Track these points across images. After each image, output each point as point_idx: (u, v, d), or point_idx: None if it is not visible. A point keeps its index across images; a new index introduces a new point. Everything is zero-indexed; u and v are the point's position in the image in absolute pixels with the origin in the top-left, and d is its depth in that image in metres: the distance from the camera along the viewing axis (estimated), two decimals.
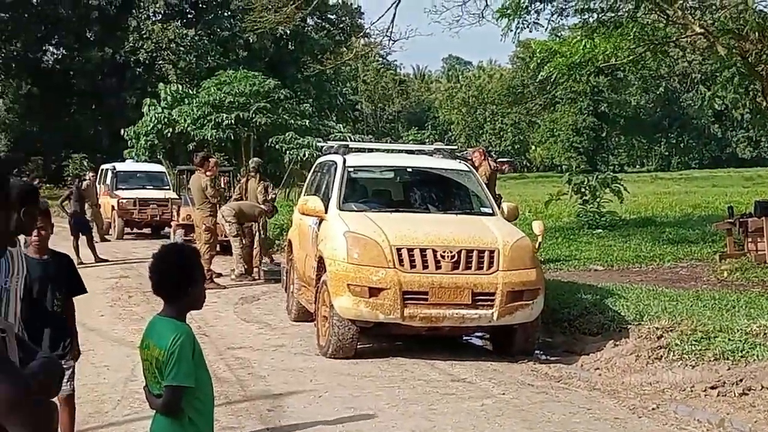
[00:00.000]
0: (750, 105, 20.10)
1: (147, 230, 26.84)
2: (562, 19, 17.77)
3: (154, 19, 53.30)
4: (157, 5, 53.32)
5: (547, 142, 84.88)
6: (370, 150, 13.83)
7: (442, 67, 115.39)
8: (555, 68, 14.87)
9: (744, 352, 8.32)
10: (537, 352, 10.13)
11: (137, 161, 32.99)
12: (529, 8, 16.21)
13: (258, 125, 34.15)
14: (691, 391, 7.80)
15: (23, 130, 58.56)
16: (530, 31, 18.88)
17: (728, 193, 35.11)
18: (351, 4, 64.53)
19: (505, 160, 66.95)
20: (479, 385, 8.34)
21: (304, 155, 31.43)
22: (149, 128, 35.32)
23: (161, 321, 3.93)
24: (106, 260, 19.13)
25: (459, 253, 9.43)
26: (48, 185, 42.60)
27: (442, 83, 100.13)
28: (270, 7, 22.35)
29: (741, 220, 16.18)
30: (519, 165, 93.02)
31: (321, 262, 9.98)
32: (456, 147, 15.80)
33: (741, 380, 7.63)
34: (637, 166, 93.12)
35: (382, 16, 69.04)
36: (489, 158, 15.32)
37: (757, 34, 15.00)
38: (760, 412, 7.01)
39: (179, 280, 3.92)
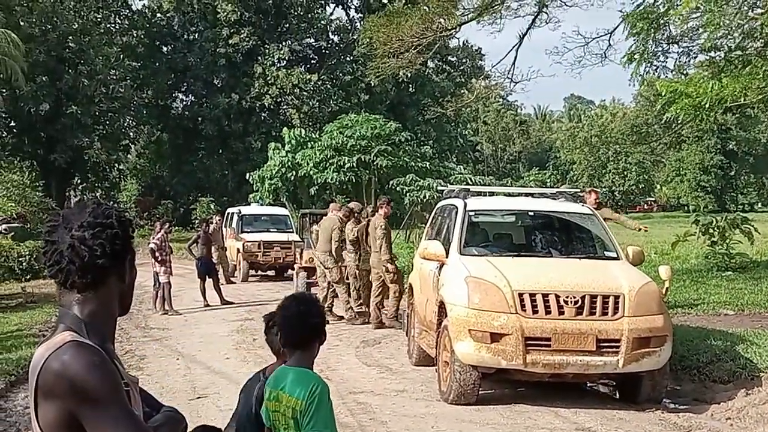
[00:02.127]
0: None
1: (271, 272, 27.28)
2: (688, 59, 17.50)
3: (278, 65, 54.62)
4: (282, 52, 54.65)
5: (673, 181, 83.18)
6: (491, 193, 13.79)
7: (564, 107, 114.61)
8: (681, 109, 14.59)
9: None
10: (665, 400, 9.84)
11: (262, 204, 33.65)
12: (657, 51, 16.01)
13: (379, 168, 34.49)
14: None
15: (153, 175, 60.63)
16: (658, 77, 18.60)
17: None
18: (472, 46, 64.82)
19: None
20: None
21: (425, 197, 31.54)
22: (273, 172, 36.08)
23: (293, 371, 3.98)
24: (232, 302, 19.51)
25: (583, 298, 9.27)
26: (177, 228, 43.87)
27: (564, 123, 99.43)
28: (391, 52, 22.62)
29: None
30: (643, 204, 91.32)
31: (442, 306, 9.96)
32: (578, 189, 15.56)
33: None
34: None
35: (504, 57, 69.22)
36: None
37: None
38: None
39: (315, 331, 3.99)
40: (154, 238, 18.94)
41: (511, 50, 22.44)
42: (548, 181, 72.90)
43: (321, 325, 4.03)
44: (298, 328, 3.99)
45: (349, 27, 61.18)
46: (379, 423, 8.62)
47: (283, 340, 4.05)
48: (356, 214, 17.17)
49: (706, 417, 9.02)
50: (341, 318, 16.77)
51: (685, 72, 23.89)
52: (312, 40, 60.09)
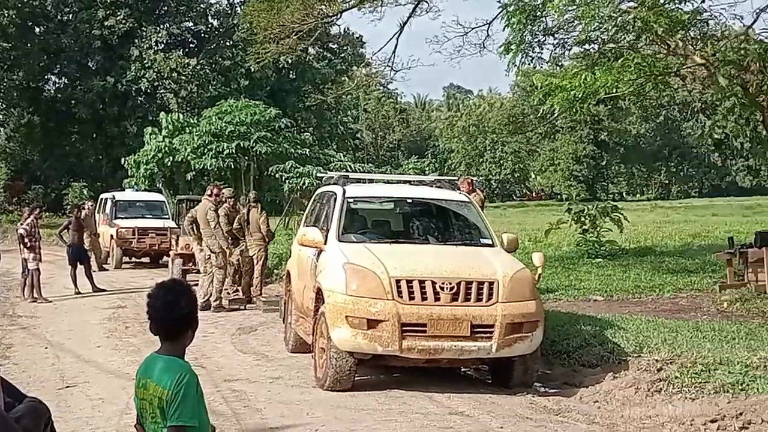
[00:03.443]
0: (750, 134, 20.13)
1: (145, 259, 26.81)
2: (563, 51, 17.87)
3: (156, 48, 53.52)
4: (160, 35, 53.62)
5: (547, 170, 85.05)
6: (370, 180, 13.84)
7: (443, 96, 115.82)
8: (557, 103, 14.89)
9: (744, 385, 8.28)
10: (536, 384, 10.06)
11: (137, 190, 33.02)
12: (532, 43, 16.29)
13: (258, 154, 34.27)
14: (691, 424, 7.74)
15: (24, 158, 58.68)
16: (534, 67, 18.90)
17: (728, 223, 35.10)
18: (353, 34, 64.84)
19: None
20: (477, 418, 8.28)
21: (304, 184, 31.46)
22: (149, 157, 35.42)
23: (162, 359, 3.90)
24: (104, 290, 19.09)
25: (458, 284, 9.40)
26: (48, 214, 42.61)
27: (443, 112, 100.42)
28: (272, 38, 22.41)
29: (741, 250, 16.18)
30: (518, 193, 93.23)
31: (319, 293, 9.95)
32: (456, 177, 15.78)
33: (741, 414, 7.58)
34: (637, 195, 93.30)
35: (384, 46, 69.16)
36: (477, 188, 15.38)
37: (758, 64, 15.06)
38: None
39: (185, 319, 3.91)
40: (23, 223, 18.35)
41: (391, 38, 22.52)
42: (427, 169, 73.53)
43: (191, 314, 3.95)
44: (166, 318, 3.90)
45: (229, 11, 60.39)
46: (253, 410, 8.56)
47: (153, 329, 3.96)
48: (230, 200, 17.07)
49: (575, 400, 9.26)
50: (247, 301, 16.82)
51: (560, 63, 24.44)
52: (191, 24, 59.04)
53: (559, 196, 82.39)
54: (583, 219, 22.34)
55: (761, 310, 13.94)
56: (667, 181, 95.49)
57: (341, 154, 41.17)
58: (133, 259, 26.74)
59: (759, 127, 17.63)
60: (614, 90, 14.96)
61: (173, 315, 3.90)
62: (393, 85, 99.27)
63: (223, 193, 17.40)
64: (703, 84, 20.20)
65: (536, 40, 16.33)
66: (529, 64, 16.52)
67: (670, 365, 9.19)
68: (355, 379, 9.54)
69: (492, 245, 10.82)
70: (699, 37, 15.69)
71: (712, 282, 16.81)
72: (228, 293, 17.18)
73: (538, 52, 16.59)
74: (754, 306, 14.24)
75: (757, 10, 16.62)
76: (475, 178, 16.59)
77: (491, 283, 9.52)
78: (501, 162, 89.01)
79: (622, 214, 22.56)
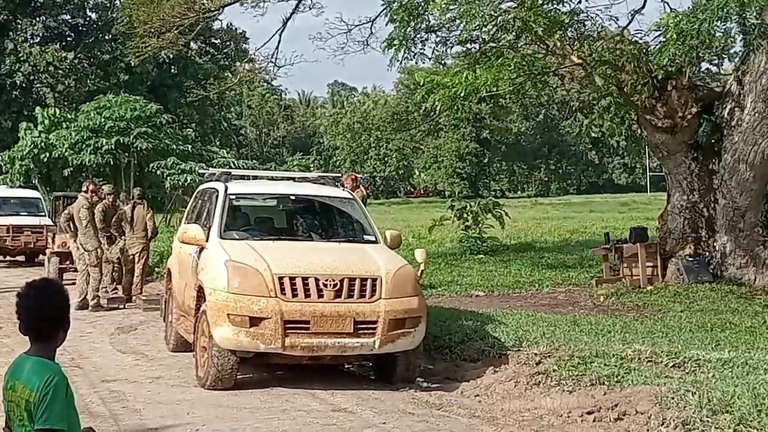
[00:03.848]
0: (626, 133, 20.73)
1: (21, 258, 26.03)
2: (446, 49, 18.07)
3: (32, 41, 51.96)
4: (36, 28, 52.12)
5: (431, 167, 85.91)
6: (254, 177, 13.73)
7: (328, 93, 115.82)
8: (439, 100, 15.03)
9: (619, 377, 8.49)
10: (419, 379, 10.13)
11: (11, 187, 32.03)
12: (415, 39, 16.40)
13: (139, 150, 33.68)
14: (568, 416, 7.91)
15: None
16: (416, 63, 19.08)
17: (605, 219, 36.12)
18: (236, 29, 64.19)
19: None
20: (360, 414, 8.29)
21: (186, 180, 31.03)
22: (25, 153, 34.43)
23: (31, 361, 3.76)
24: None
25: (341, 281, 9.39)
26: None
27: (327, 109, 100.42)
28: (152, 32, 21.99)
29: (617, 246, 16.62)
30: (403, 190, 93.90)
31: (201, 291, 9.81)
32: (340, 174, 15.78)
33: (616, 405, 7.78)
34: (518, 192, 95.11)
35: (267, 41, 68.72)
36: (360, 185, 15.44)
37: (632, 64, 15.48)
38: None
39: (56, 320, 3.78)
40: None
41: (274, 34, 22.35)
42: (312, 166, 73.45)
43: (62, 314, 3.81)
44: (35, 318, 3.76)
45: (108, 4, 59.05)
46: (132, 411, 8.38)
47: (22, 329, 3.82)
48: (109, 197, 16.76)
49: (457, 394, 9.36)
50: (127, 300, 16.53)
51: (443, 62, 24.67)
52: (68, 17, 57.57)
53: (442, 193, 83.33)
54: (465, 216, 22.64)
55: (636, 303, 14.36)
56: (546, 179, 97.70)
57: (224, 151, 40.80)
58: (8, 258, 25.94)
59: (634, 126, 18.15)
60: (495, 88, 15.19)
61: (43, 315, 3.76)
62: (277, 81, 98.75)
63: (102, 190, 17.03)
64: (580, 83, 20.67)
65: (419, 36, 16.46)
66: (411, 59, 16.64)
67: (548, 358, 9.36)
68: (238, 377, 9.44)
69: (375, 242, 10.84)
70: (576, 37, 16.06)
71: (589, 277, 17.23)
72: (107, 291, 16.81)
73: (421, 49, 16.74)
74: (628, 300, 14.65)
75: (632, 12, 17.15)
76: (359, 175, 16.66)
77: (374, 280, 9.54)
78: (385, 159, 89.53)
79: (503, 210, 22.95)
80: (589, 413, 7.82)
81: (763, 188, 15.65)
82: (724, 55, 16.12)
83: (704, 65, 23.63)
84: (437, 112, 18.14)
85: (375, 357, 9.92)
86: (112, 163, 34.09)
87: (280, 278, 9.28)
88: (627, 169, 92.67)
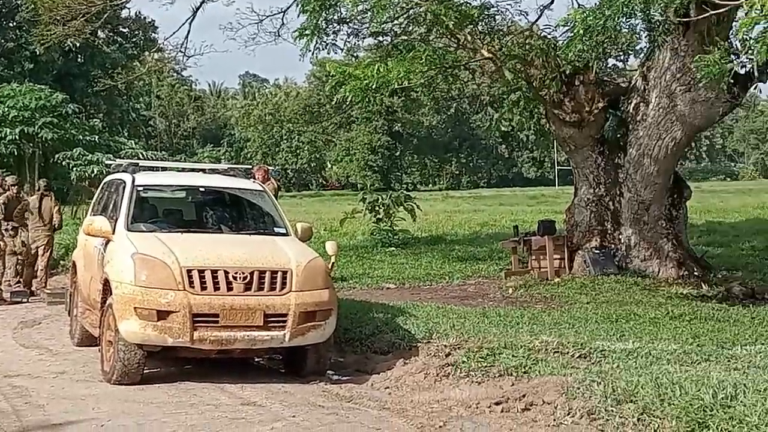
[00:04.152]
0: (534, 127, 20.98)
1: None
2: (358, 41, 18.05)
3: None
4: None
5: (343, 160, 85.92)
6: (163, 168, 13.53)
7: (239, 84, 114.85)
8: (350, 91, 15.01)
9: (527, 368, 8.60)
10: (329, 372, 10.12)
11: None
12: (327, 29, 16.33)
13: (44, 141, 32.90)
14: (477, 407, 7.98)
15: None
16: (328, 53, 19.00)
17: (514, 212, 36.55)
18: (144, 18, 63.11)
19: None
20: (269, 408, 8.23)
21: (93, 172, 30.42)
22: None
23: None
24: None
25: (251, 274, 9.32)
26: None
27: (239, 100, 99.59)
28: (58, 19, 21.44)
29: (525, 238, 16.84)
30: (315, 182, 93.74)
31: (107, 284, 9.62)
32: (251, 166, 15.66)
33: (524, 396, 7.87)
34: (430, 185, 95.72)
35: (177, 31, 67.76)
36: (272, 177, 15.37)
37: (541, 59, 15.70)
38: (541, 427, 7.24)
39: None
40: None
41: (184, 23, 22.00)
42: (222, 157, 72.82)
43: None
44: None
45: None
46: (35, 407, 8.18)
47: None
48: (13, 188, 16.38)
49: (367, 387, 9.36)
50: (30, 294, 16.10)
51: (355, 54, 24.63)
52: None
53: (354, 186, 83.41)
54: (377, 208, 22.71)
55: (543, 295, 14.58)
56: (457, 172, 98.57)
57: (132, 142, 40.07)
58: None
59: (542, 120, 18.38)
60: (407, 81, 15.22)
61: None
62: (187, 71, 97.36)
63: (5, 181, 16.61)
64: (491, 78, 20.89)
65: (331, 27, 16.40)
66: (323, 50, 16.57)
67: (458, 350, 9.43)
68: (145, 372, 9.30)
69: (286, 234, 10.79)
70: (487, 31, 16.21)
71: (499, 269, 17.43)
72: (10, 285, 16.39)
73: (333, 40, 16.69)
74: (536, 292, 14.87)
75: (541, 7, 17.40)
76: (270, 168, 16.57)
77: (285, 272, 9.49)
78: (297, 151, 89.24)
79: (414, 203, 23.08)
80: (497, 404, 7.89)
81: (666, 182, 16.03)
82: (630, 51, 16.45)
83: (611, 61, 24.15)
84: (349, 104, 18.09)
85: (285, 350, 9.86)
86: (16, 153, 33.23)
87: (189, 271, 9.16)
88: (536, 163, 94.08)
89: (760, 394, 6.37)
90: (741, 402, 6.25)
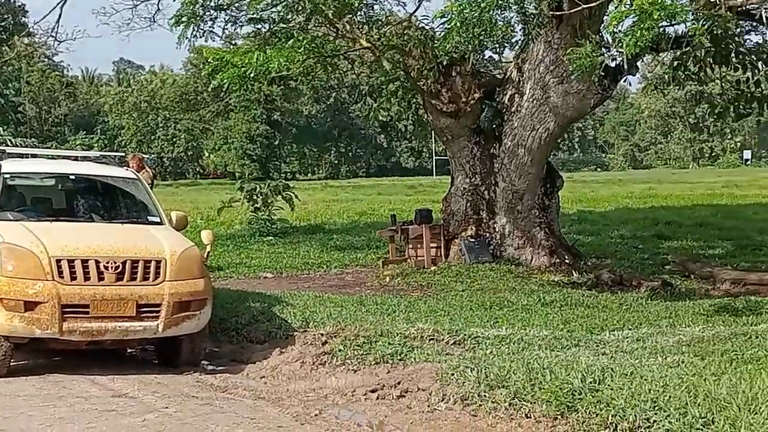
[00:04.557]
0: (413, 117, 21.17)
1: None
2: (236, 28, 17.84)
3: None
4: None
5: (221, 149, 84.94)
6: (33, 155, 13.13)
7: (113, 71, 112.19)
8: (227, 78, 14.84)
9: (403, 355, 8.68)
10: (204, 362, 10.00)
11: None
12: (204, 16, 16.10)
13: None
14: (353, 395, 8.00)
15: None
16: (205, 40, 18.71)
17: (392, 201, 36.79)
18: (14, 1, 60.99)
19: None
20: (141, 399, 8.07)
21: None
22: None
23: None
24: None
25: (123, 263, 9.12)
26: None
27: (113, 87, 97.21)
28: None
29: (402, 227, 16.98)
30: (192, 171, 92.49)
31: None
32: (124, 154, 15.33)
33: (399, 383, 7.93)
34: (309, 174, 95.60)
35: (47, 15, 65.74)
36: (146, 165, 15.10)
37: (419, 50, 15.82)
38: (415, 413, 7.30)
39: None
40: None
41: (55, 7, 21.38)
42: (96, 145, 71.06)
43: None
44: None
45: None
46: None
47: None
48: None
49: (242, 376, 9.30)
50: None
51: (233, 42, 24.36)
52: None
53: (233, 175, 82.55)
54: (255, 197, 22.59)
55: (420, 283, 14.75)
56: (336, 161, 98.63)
57: (1, 129, 38.73)
58: None
59: (420, 110, 18.56)
60: (285, 70, 15.13)
61: None
62: (59, 57, 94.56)
63: None
64: (370, 67, 20.97)
65: (208, 14, 16.18)
66: (200, 37, 16.34)
67: (334, 339, 9.45)
68: (12, 364, 9.01)
69: (160, 223, 10.60)
70: (366, 21, 16.25)
71: (377, 258, 17.55)
72: None
73: (211, 27, 16.46)
74: (413, 280, 15.03)
75: None
76: (145, 156, 16.28)
77: (158, 262, 9.33)
78: (174, 140, 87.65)
79: (293, 192, 23.03)
80: (372, 391, 7.93)
81: (540, 172, 16.39)
82: (505, 44, 16.70)
83: (487, 53, 24.47)
84: (227, 92, 17.91)
85: (158, 341, 9.70)
86: None
87: (58, 261, 8.91)
88: (414, 153, 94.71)
89: (626, 377, 6.56)
90: (608, 386, 6.43)
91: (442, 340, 9.25)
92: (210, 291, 9.80)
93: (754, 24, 15.57)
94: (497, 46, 17.60)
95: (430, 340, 9.22)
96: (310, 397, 8.21)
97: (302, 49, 14.74)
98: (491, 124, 16.53)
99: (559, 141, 26.55)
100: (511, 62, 17.27)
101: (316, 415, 7.54)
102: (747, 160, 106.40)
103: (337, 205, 35.83)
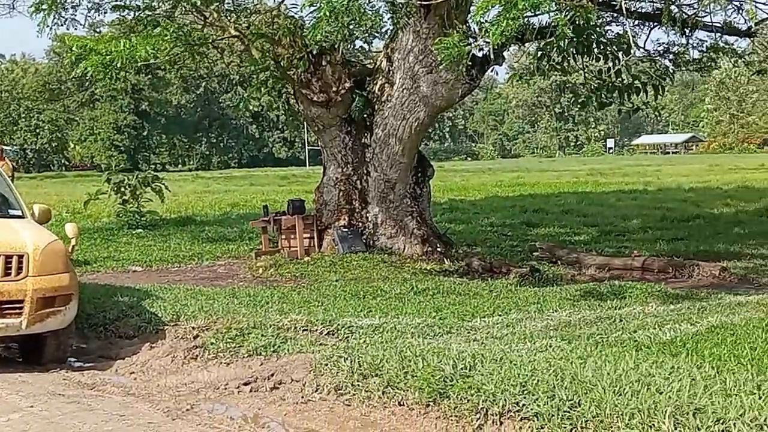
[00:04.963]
0: (284, 107, 21.03)
1: None
2: (100, 15, 17.37)
3: None
4: None
5: (87, 140, 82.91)
6: None
7: None
8: (91, 66, 14.43)
9: (276, 347, 8.61)
10: (70, 359, 9.71)
11: None
12: (66, 4, 15.63)
13: None
14: (226, 388, 7.90)
15: None
16: (67, 28, 18.12)
17: (265, 192, 36.60)
18: None
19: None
20: (5, 399, 7.77)
21: None
22: None
23: None
24: None
25: None
26: None
27: None
28: None
29: (275, 218, 16.88)
30: (57, 163, 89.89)
31: None
32: None
33: (273, 374, 7.87)
34: (179, 165, 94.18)
35: None
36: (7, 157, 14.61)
37: (288, 39, 15.70)
38: (289, 404, 7.26)
39: None
40: None
41: None
42: None
43: None
44: None
45: None
46: None
47: None
48: None
49: (111, 373, 9.06)
50: None
51: (98, 30, 23.74)
52: None
53: (100, 167, 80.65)
54: (123, 189, 22.12)
55: (293, 274, 14.69)
56: (208, 152, 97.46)
57: None
58: None
59: (291, 100, 18.45)
60: (152, 58, 14.82)
61: None
62: None
63: None
64: (239, 57, 20.75)
65: (70, 1, 15.71)
66: (62, 25, 15.85)
67: (206, 332, 9.31)
68: None
69: (22, 217, 10.23)
70: (234, 9, 16.05)
71: (249, 249, 17.41)
72: None
73: (73, 14, 15.99)
74: (287, 271, 14.96)
75: None
76: (6, 147, 15.74)
77: (20, 257, 9.00)
78: (37, 131, 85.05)
79: (163, 184, 22.64)
80: (246, 384, 7.85)
81: (411, 161, 16.51)
82: (375, 33, 16.76)
83: (358, 42, 24.55)
84: (91, 81, 17.41)
85: (22, 338, 9.38)
86: None
87: None
88: (287, 143, 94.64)
89: (496, 363, 6.66)
90: (479, 371, 6.51)
91: (316, 330, 9.23)
92: (76, 286, 9.52)
93: (615, 15, 16.03)
94: (367, 35, 17.68)
95: (303, 330, 9.18)
96: (181, 391, 8.07)
97: (169, 37, 14.48)
98: (362, 113, 16.56)
99: (429, 130, 26.84)
100: (381, 52, 17.34)
101: (188, 410, 7.41)
102: (610, 148, 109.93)
103: (208, 196, 35.42)
